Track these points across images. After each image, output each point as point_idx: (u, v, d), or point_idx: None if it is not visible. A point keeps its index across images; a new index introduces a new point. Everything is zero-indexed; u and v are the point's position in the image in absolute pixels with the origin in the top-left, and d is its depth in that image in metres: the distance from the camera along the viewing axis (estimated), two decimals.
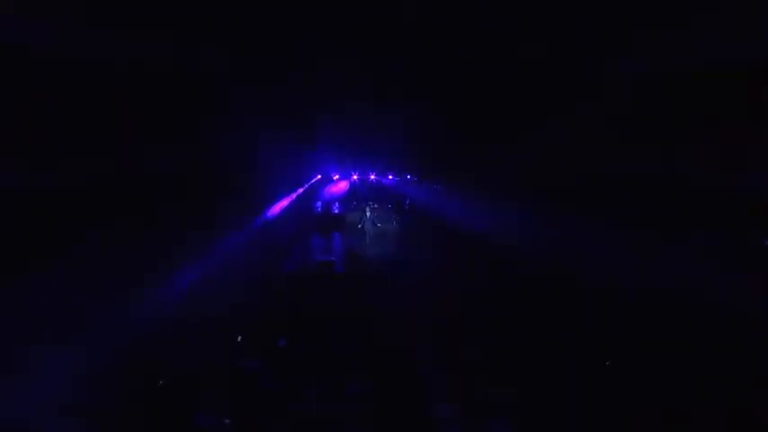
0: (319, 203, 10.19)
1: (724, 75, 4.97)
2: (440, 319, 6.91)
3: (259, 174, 8.78)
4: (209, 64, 6.20)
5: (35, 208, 5.17)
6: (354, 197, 10.41)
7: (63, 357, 4.63)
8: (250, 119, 7.94)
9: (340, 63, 7.92)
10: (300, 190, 9.75)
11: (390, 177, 10.28)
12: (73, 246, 5.34)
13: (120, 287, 5.80)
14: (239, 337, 6.46)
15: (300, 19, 5.63)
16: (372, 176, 10.17)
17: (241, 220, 8.51)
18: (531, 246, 7.68)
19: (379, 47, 7.23)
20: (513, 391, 4.86)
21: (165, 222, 6.59)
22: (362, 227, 10.29)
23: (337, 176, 10.05)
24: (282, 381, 5.35)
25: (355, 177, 10.12)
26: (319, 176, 9.99)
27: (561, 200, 7.51)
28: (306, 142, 9.48)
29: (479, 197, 8.80)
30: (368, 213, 10.31)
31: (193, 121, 7.23)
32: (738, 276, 5.15)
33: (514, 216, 7.99)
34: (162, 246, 6.40)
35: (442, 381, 5.24)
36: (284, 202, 9.47)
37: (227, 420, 4.55)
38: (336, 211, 10.28)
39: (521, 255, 7.81)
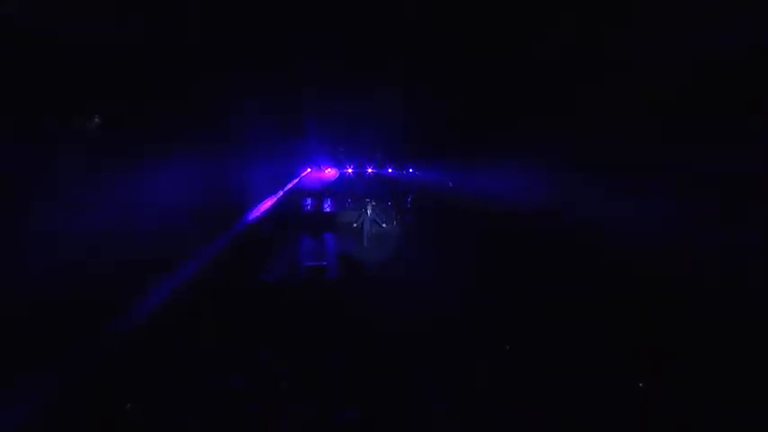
0: (309, 200, 8.93)
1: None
2: (446, 331, 5.60)
3: (240, 169, 7.72)
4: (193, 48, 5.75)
5: None
6: (350, 194, 9.19)
7: None
8: (230, 109, 7.02)
9: (333, 48, 7.24)
10: (289, 185, 8.55)
11: (390, 171, 9.07)
12: None
13: None
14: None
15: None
16: (370, 170, 8.96)
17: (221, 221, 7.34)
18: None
19: (377, 31, 6.74)
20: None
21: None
22: (360, 227, 9.04)
23: (329, 170, 8.84)
24: (268, 403, 4.40)
25: (350, 171, 8.90)
26: (309, 170, 8.78)
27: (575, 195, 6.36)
28: (294, 135, 8.50)
29: (485, 192, 7.60)
30: (368, 212, 9.05)
31: (171, 110, 6.29)
32: None
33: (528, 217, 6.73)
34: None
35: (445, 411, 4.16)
36: (268, 202, 8.27)
37: None
38: (328, 210, 9.00)
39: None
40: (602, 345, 4.77)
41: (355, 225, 9.02)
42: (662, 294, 4.96)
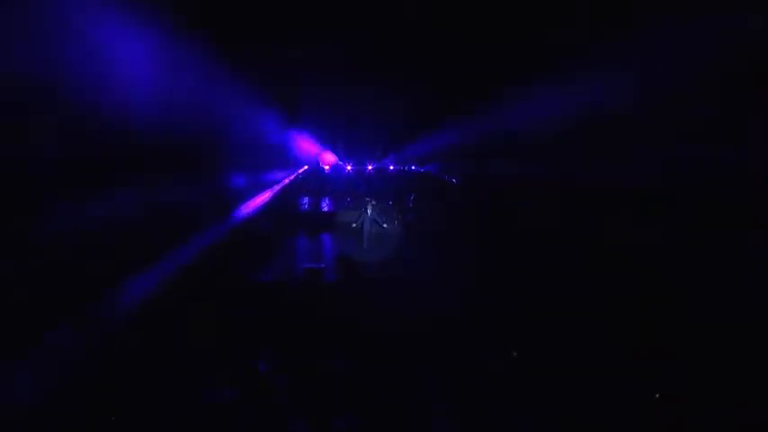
0: (306, 199, 8.85)
1: None
2: (445, 332, 5.57)
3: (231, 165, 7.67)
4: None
5: None
6: (350, 192, 9.12)
7: None
8: (222, 101, 6.97)
9: (330, 42, 7.23)
10: (286, 180, 8.49)
11: (392, 168, 9.02)
12: None
13: None
14: None
15: None
16: (370, 167, 8.89)
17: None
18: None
19: (376, 23, 6.73)
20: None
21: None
22: (359, 227, 8.95)
23: (328, 167, 8.78)
24: (263, 414, 4.27)
25: (349, 168, 8.84)
26: (306, 167, 8.73)
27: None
28: (292, 131, 8.45)
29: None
30: (368, 211, 8.90)
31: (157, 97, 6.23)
32: None
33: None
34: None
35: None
36: (259, 200, 8.18)
37: None
38: (327, 209, 8.92)
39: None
40: (602, 344, 4.76)
41: (355, 225, 8.89)
42: (662, 294, 4.96)
